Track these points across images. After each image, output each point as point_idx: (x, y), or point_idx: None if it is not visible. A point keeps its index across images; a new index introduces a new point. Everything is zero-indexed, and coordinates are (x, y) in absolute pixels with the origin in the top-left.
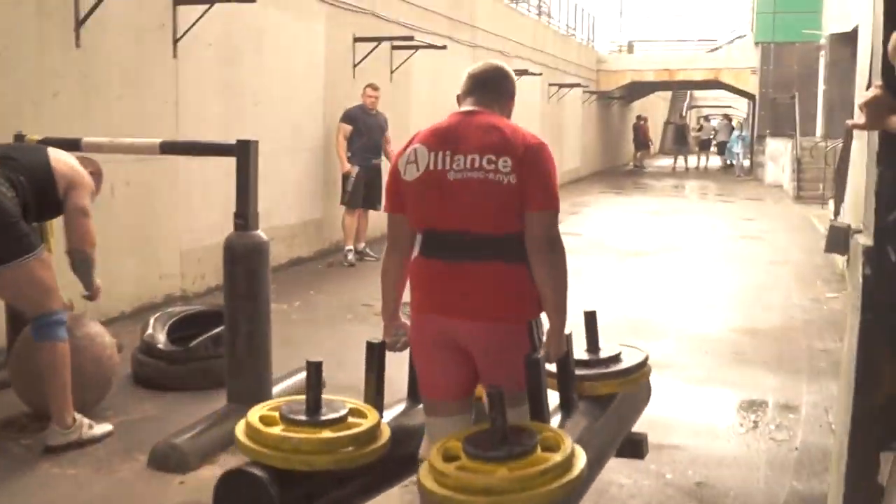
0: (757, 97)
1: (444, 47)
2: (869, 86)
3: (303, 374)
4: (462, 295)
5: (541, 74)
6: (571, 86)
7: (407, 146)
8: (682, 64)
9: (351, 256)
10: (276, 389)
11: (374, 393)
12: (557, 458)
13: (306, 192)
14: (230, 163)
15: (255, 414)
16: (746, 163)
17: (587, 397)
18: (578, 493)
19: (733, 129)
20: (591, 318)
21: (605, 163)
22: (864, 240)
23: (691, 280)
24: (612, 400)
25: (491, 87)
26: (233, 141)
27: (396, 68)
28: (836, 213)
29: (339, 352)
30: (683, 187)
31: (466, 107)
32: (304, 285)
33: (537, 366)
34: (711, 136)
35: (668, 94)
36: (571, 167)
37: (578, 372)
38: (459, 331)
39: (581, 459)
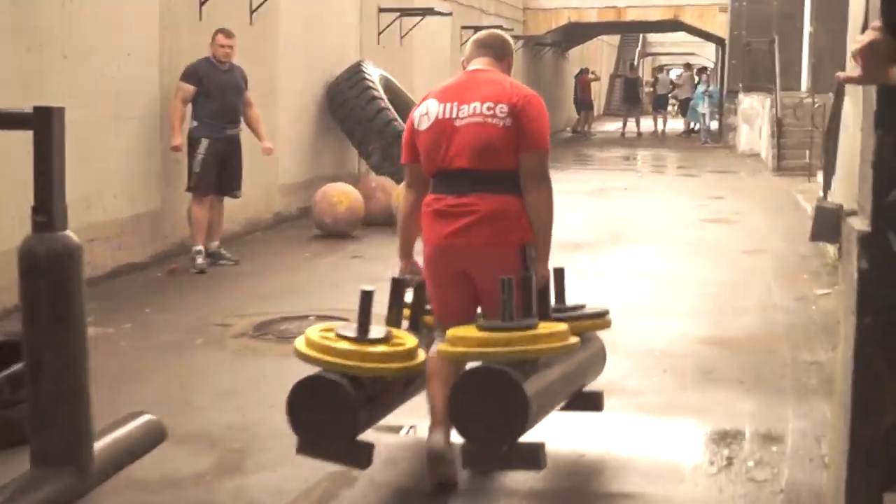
0: (727, 42)
1: None
2: (864, 28)
3: (135, 423)
4: (469, 223)
5: (450, 14)
6: (491, 28)
7: (421, 102)
8: (634, 0)
9: (201, 260)
10: (98, 445)
11: (396, 322)
12: (560, 328)
13: (138, 176)
14: (28, 138)
15: (314, 332)
16: (714, 125)
17: None
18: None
19: (697, 82)
20: (559, 274)
21: None
22: (860, 224)
23: (645, 278)
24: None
25: (493, 49)
26: (30, 107)
27: (258, 7)
28: (826, 189)
29: (186, 389)
30: (635, 158)
31: (472, 66)
32: (138, 301)
33: (529, 281)
34: (669, 93)
35: (616, 39)
36: None
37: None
38: (466, 255)
39: (574, 338)
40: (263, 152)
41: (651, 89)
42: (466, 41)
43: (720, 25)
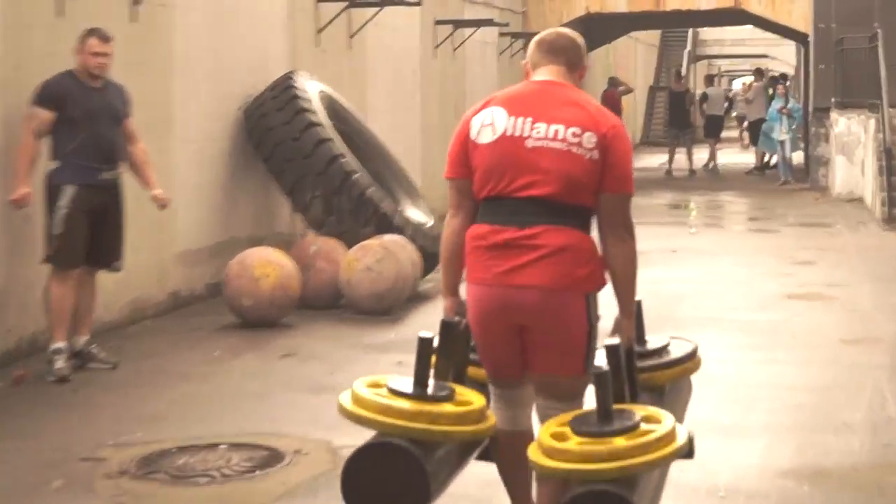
0: (811, 38)
1: None
2: None
3: None
4: (535, 260)
5: (419, 4)
6: (477, 23)
7: (482, 108)
8: None
9: (62, 363)
10: None
11: (445, 375)
12: (666, 426)
13: None
14: None
15: (361, 387)
16: (797, 156)
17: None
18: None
19: (773, 96)
20: (638, 309)
21: None
22: None
23: (705, 383)
24: (662, 391)
25: (566, 56)
26: None
27: None
28: None
29: None
30: (687, 206)
31: (541, 76)
32: None
33: (616, 351)
34: (727, 112)
35: (656, 36)
36: None
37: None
38: (524, 299)
39: (681, 430)
40: (155, 203)
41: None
42: (444, 42)
43: (801, 15)
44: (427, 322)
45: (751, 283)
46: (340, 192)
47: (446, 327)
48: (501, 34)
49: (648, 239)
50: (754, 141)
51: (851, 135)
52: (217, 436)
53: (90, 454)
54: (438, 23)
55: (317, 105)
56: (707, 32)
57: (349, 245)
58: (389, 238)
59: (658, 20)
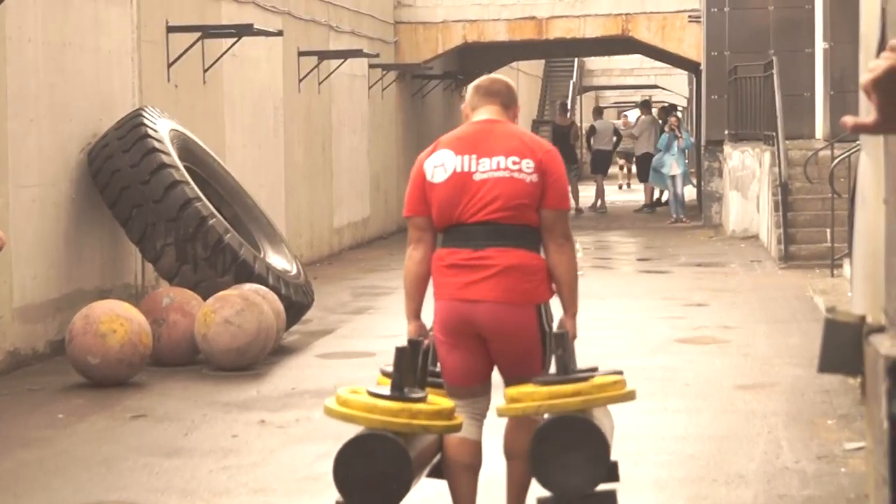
0: (703, 67)
1: None
2: (881, 49)
3: None
4: (487, 276)
5: (281, 34)
6: (345, 54)
7: (432, 151)
8: (561, 8)
9: None
10: None
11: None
12: (616, 376)
13: None
14: None
15: (346, 391)
16: (689, 192)
17: None
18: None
19: (662, 130)
20: (569, 340)
21: None
22: (889, 345)
23: None
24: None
25: (500, 97)
26: None
27: None
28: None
29: None
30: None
31: (481, 116)
32: None
33: (565, 337)
34: (616, 147)
35: (539, 66)
36: (351, 219)
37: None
38: (478, 312)
39: (628, 381)
40: None
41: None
42: (309, 75)
43: (692, 43)
44: (294, 376)
45: (640, 328)
46: (195, 238)
47: (412, 345)
48: (371, 66)
49: None
50: (643, 177)
51: (746, 169)
52: None
53: None
54: (302, 54)
55: (168, 145)
56: (594, 62)
57: (205, 296)
58: (250, 288)
59: (541, 49)
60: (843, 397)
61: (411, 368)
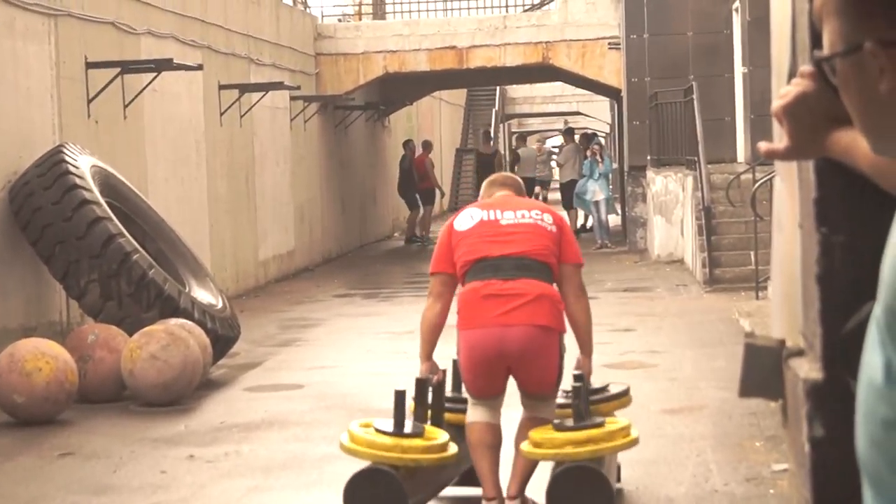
0: (624, 93)
1: None
2: (792, 75)
3: None
4: (521, 305)
5: (200, 68)
6: (266, 87)
7: (459, 213)
8: (481, 37)
9: None
10: None
11: (422, 420)
12: (622, 423)
13: None
14: None
15: (355, 427)
16: (613, 219)
17: None
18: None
19: (585, 157)
20: (456, 366)
21: (347, 237)
22: (807, 369)
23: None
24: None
25: (513, 188)
26: None
27: None
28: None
29: None
30: None
31: (500, 193)
32: None
33: (582, 377)
34: (539, 175)
35: (461, 95)
36: (276, 251)
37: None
38: (512, 335)
39: (633, 428)
40: None
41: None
42: (230, 108)
43: (612, 70)
44: (221, 410)
45: (567, 354)
46: (119, 274)
47: (420, 384)
48: (293, 98)
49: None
50: (567, 204)
51: (669, 194)
52: None
53: None
54: (223, 87)
55: (90, 181)
56: (516, 90)
57: (131, 332)
58: (175, 322)
59: (462, 78)
60: (769, 419)
61: (422, 403)
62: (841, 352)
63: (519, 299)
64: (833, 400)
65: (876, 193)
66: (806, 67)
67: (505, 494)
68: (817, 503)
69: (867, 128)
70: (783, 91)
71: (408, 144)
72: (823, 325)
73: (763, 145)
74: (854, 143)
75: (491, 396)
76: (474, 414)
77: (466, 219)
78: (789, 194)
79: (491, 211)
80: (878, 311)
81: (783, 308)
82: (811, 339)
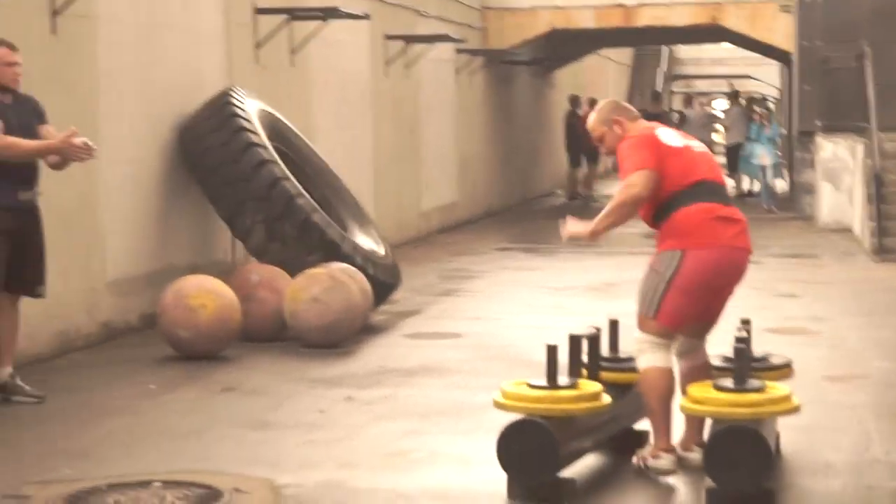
0: (795, 57)
1: None
2: None
3: None
4: (743, 230)
5: (367, 18)
6: (432, 39)
7: (649, 131)
8: None
9: None
10: None
11: (579, 374)
12: (784, 391)
13: None
14: None
15: (508, 385)
16: (781, 184)
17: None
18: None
19: (752, 121)
20: (614, 326)
21: (510, 192)
22: None
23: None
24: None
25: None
26: None
27: (63, 6)
28: None
29: None
30: None
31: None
32: None
33: (746, 341)
34: (708, 136)
35: (628, 54)
36: (439, 202)
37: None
38: (742, 258)
39: (794, 395)
40: (79, 154)
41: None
42: (396, 60)
43: (783, 33)
44: (381, 354)
45: (729, 317)
46: (283, 217)
47: (574, 340)
48: (459, 51)
49: (621, 269)
50: (733, 167)
51: (838, 160)
52: (150, 473)
53: (14, 491)
54: (389, 38)
55: (257, 125)
56: (683, 51)
57: (293, 274)
58: (337, 266)
59: (629, 37)
60: None
61: (575, 359)
62: None
63: (741, 224)
64: None
65: None
66: None
67: (685, 447)
68: None
69: None
70: None
71: (575, 101)
72: None
73: None
74: None
75: (699, 325)
76: (655, 358)
77: (672, 136)
78: None
79: (682, 136)
80: None
81: None
82: None
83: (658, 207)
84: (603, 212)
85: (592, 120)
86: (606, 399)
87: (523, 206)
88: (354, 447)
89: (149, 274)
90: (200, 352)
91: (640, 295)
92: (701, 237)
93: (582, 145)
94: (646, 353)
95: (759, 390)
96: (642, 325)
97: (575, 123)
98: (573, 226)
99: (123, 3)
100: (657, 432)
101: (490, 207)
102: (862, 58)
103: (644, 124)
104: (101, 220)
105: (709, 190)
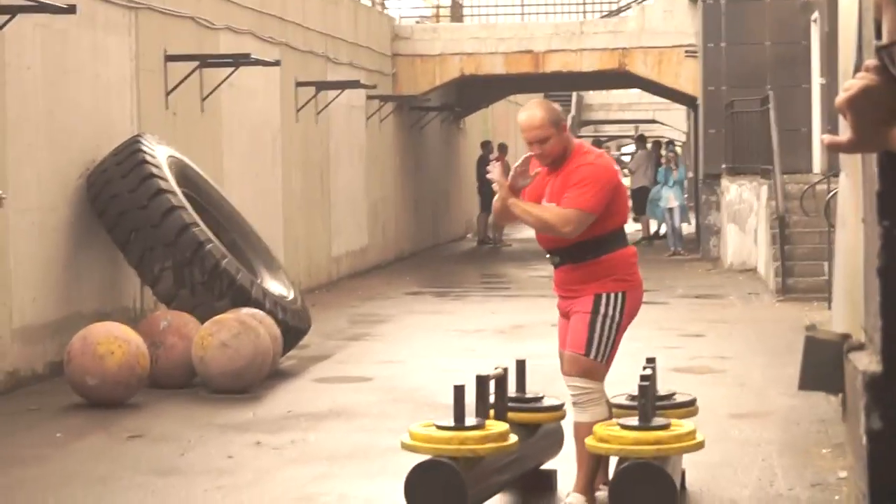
0: (700, 102)
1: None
2: (857, 70)
3: None
4: None
5: (278, 64)
6: (343, 85)
7: (613, 165)
8: (558, 42)
9: None
10: None
11: (484, 415)
12: (688, 427)
13: None
14: None
15: (415, 426)
16: (687, 227)
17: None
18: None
19: (660, 164)
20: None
21: (421, 236)
22: (867, 362)
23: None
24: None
25: None
26: None
27: None
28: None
29: None
30: None
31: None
32: None
33: (650, 379)
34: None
35: (538, 99)
36: (349, 247)
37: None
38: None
39: (698, 433)
40: None
41: None
42: (307, 105)
43: (689, 78)
44: (289, 399)
45: (636, 357)
46: (192, 262)
47: (481, 380)
48: (369, 97)
49: (528, 312)
50: (640, 210)
51: (743, 202)
52: None
53: None
54: (300, 84)
55: (166, 171)
56: (592, 97)
57: (203, 320)
58: (247, 312)
59: (538, 83)
60: (838, 426)
61: (482, 399)
62: None
63: None
64: (892, 393)
65: None
66: (871, 61)
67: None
68: (873, 495)
69: None
70: (847, 84)
71: (486, 145)
72: (884, 318)
73: (826, 138)
74: None
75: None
76: (604, 410)
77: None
78: (853, 189)
79: None
80: None
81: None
82: (871, 332)
83: (588, 243)
84: (534, 207)
85: (539, 118)
86: (514, 439)
87: (434, 251)
88: (263, 492)
89: (56, 321)
90: (108, 399)
91: (588, 341)
92: (634, 278)
93: (493, 190)
94: (599, 405)
95: (663, 428)
96: (592, 374)
97: (486, 168)
98: (499, 176)
99: (32, 51)
100: (594, 475)
101: (401, 252)
102: (766, 102)
103: (586, 143)
104: (8, 268)
105: (624, 232)
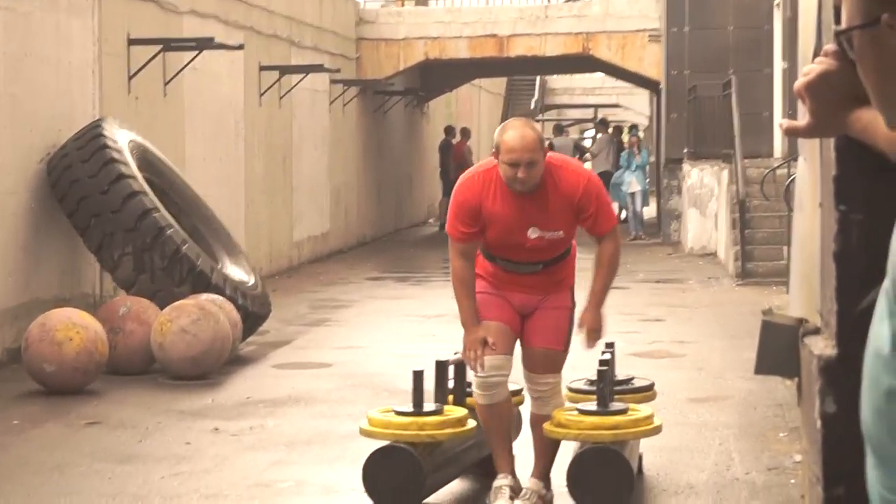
0: (663, 86)
1: None
2: (816, 55)
3: None
4: None
5: (241, 48)
6: (306, 69)
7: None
8: (522, 26)
9: None
10: None
11: (443, 400)
12: (646, 412)
13: None
14: None
15: (374, 412)
16: (648, 211)
17: None
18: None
19: (621, 148)
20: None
21: (383, 221)
22: (822, 346)
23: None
24: None
25: None
26: None
27: None
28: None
29: None
30: None
31: None
32: None
33: (608, 364)
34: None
35: (501, 84)
36: (310, 232)
37: None
38: None
39: (655, 417)
40: None
41: None
42: (270, 90)
43: (652, 62)
44: (249, 385)
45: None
46: (152, 248)
47: (440, 366)
48: (333, 81)
49: None
50: None
51: (704, 187)
52: None
53: None
54: (263, 69)
55: (127, 155)
56: (556, 81)
57: (162, 306)
58: (206, 297)
59: (502, 67)
60: (794, 411)
61: (441, 385)
62: (855, 329)
63: None
64: (846, 377)
65: (895, 172)
66: (829, 46)
67: (530, 474)
68: (827, 479)
69: (883, 101)
70: (806, 69)
71: (450, 130)
72: (839, 303)
73: (785, 122)
74: (874, 121)
75: None
76: (562, 399)
77: None
78: (811, 173)
79: None
80: (887, 283)
81: (802, 287)
82: (827, 316)
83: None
84: (601, 283)
85: (531, 138)
86: (472, 424)
87: (396, 236)
88: (221, 478)
89: (14, 308)
90: (66, 386)
91: (567, 337)
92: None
93: (457, 174)
94: (559, 395)
95: (621, 412)
96: (562, 366)
97: (449, 152)
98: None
99: None
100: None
101: (363, 237)
102: (728, 87)
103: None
104: None
105: None
